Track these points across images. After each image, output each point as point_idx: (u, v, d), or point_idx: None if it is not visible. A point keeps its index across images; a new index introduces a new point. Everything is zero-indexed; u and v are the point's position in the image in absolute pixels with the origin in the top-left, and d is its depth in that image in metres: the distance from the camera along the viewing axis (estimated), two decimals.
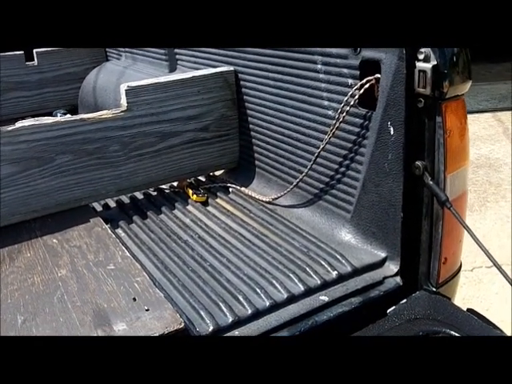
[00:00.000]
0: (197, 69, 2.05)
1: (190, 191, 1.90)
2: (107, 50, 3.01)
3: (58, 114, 2.73)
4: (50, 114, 2.72)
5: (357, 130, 1.47)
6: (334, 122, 1.50)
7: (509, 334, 1.25)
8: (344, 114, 1.47)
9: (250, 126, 1.93)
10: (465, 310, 1.29)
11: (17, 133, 1.57)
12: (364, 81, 1.39)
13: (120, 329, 1.16)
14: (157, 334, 1.14)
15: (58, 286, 1.33)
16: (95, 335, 1.14)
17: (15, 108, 2.79)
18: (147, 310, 1.22)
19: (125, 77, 2.51)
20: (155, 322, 1.18)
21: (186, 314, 1.27)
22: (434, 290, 1.38)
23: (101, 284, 1.33)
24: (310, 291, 1.35)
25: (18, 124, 1.59)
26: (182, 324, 1.17)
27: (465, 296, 2.83)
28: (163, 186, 1.98)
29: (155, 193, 1.96)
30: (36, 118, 1.64)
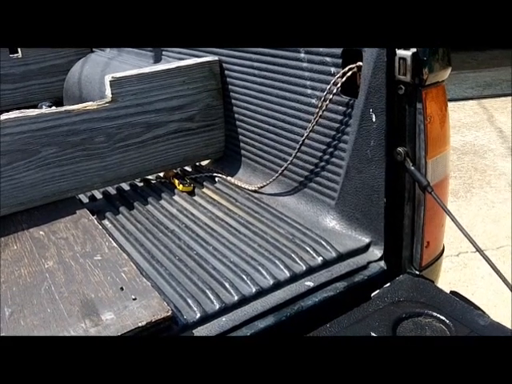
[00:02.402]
0: (182, 59, 2.05)
1: (176, 181, 1.91)
2: None
3: (43, 107, 2.71)
4: (34, 107, 2.70)
5: (340, 117, 1.49)
6: (318, 110, 1.51)
7: (491, 315, 1.27)
8: (327, 102, 1.48)
9: (236, 115, 1.94)
10: (448, 292, 1.32)
11: (1, 125, 1.56)
12: (346, 69, 1.40)
13: (108, 318, 1.17)
14: (144, 323, 1.15)
15: (45, 277, 1.34)
16: (81, 335, 1.14)
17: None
18: (134, 299, 1.23)
19: (110, 68, 2.50)
20: (143, 311, 1.19)
21: (174, 302, 1.28)
22: (418, 273, 1.40)
23: (88, 275, 1.34)
24: (295, 277, 1.37)
25: (3, 116, 1.58)
26: (170, 312, 1.19)
27: (451, 280, 2.87)
28: (149, 177, 1.98)
29: (141, 184, 1.97)
30: (21, 111, 1.64)
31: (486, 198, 3.71)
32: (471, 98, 5.57)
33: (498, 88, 5.86)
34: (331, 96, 1.46)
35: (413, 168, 1.31)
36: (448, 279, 2.87)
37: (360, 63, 1.37)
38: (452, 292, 1.33)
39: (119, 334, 1.12)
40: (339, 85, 1.43)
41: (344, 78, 1.40)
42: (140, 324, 1.15)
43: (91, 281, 1.31)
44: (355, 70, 1.39)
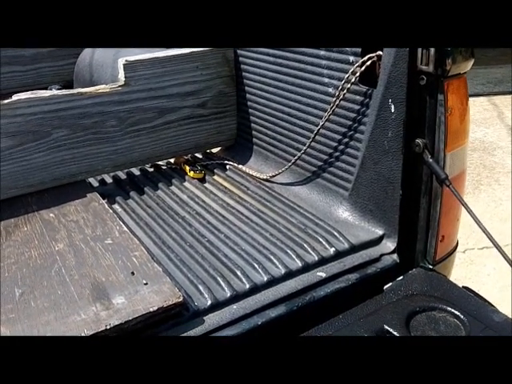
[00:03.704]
0: None
1: (187, 168, 1.89)
2: None
3: (53, 90, 2.69)
4: (44, 90, 2.68)
5: (357, 107, 1.47)
6: (334, 99, 1.49)
7: (501, 309, 1.26)
8: (344, 91, 1.46)
9: (249, 103, 1.92)
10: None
11: (13, 106, 1.55)
12: (366, 58, 1.38)
13: (119, 302, 1.16)
14: (156, 308, 1.14)
15: (55, 259, 1.33)
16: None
17: (9, 83, 2.74)
18: (146, 284, 1.22)
19: (122, 52, 2.47)
20: (154, 296, 1.18)
21: (185, 289, 1.27)
22: (431, 267, 1.39)
23: (99, 258, 1.33)
24: (307, 267, 1.36)
25: (15, 97, 1.57)
26: (181, 298, 1.18)
27: (457, 277, 2.86)
28: (160, 163, 1.97)
29: (152, 169, 1.96)
30: (32, 92, 1.62)
31: (493, 196, 3.68)
32: (481, 95, 5.52)
33: (509, 85, 5.80)
34: (349, 85, 1.44)
35: (431, 160, 1.29)
36: (454, 275, 2.85)
37: (380, 52, 1.35)
38: (464, 287, 1.31)
39: (130, 318, 1.11)
40: (358, 74, 1.40)
41: (363, 68, 1.38)
42: (151, 309, 1.14)
43: (102, 264, 1.30)
44: (375, 59, 1.37)
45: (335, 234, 1.47)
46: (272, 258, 1.38)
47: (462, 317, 1.17)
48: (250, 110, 1.93)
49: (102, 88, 1.72)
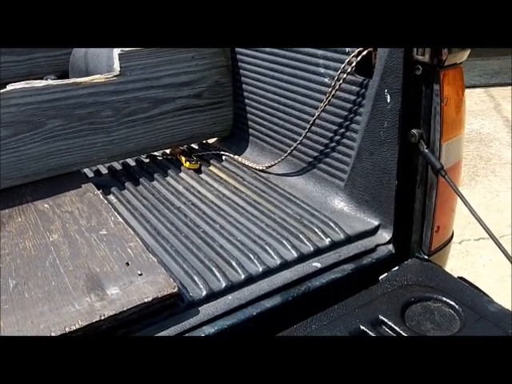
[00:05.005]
0: None
1: (183, 158, 1.88)
2: None
3: (49, 80, 2.67)
4: (40, 80, 2.66)
5: (353, 97, 1.46)
6: (330, 89, 1.48)
7: (497, 300, 1.27)
8: (340, 81, 1.45)
9: (245, 93, 1.91)
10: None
11: (7, 95, 1.54)
12: (362, 48, 1.37)
13: (113, 293, 1.16)
14: (150, 299, 1.14)
15: (49, 250, 1.32)
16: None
17: (4, 73, 2.72)
18: (140, 275, 1.22)
19: None
20: (149, 287, 1.18)
21: (180, 279, 1.27)
22: (426, 257, 1.39)
23: (93, 249, 1.32)
24: (302, 258, 1.36)
25: (9, 87, 1.55)
26: (176, 288, 1.17)
27: (453, 268, 2.86)
28: (155, 153, 1.96)
29: (147, 160, 1.95)
30: (27, 82, 1.61)
31: (490, 187, 3.68)
32: (478, 86, 5.51)
33: (506, 77, 5.80)
34: (345, 75, 1.43)
35: (427, 150, 1.29)
36: (450, 266, 2.85)
37: None
38: (459, 278, 1.32)
39: (125, 309, 1.11)
40: (354, 64, 1.40)
41: (359, 57, 1.37)
42: (146, 300, 1.14)
43: (96, 255, 1.30)
44: (371, 49, 1.36)
45: (331, 224, 1.47)
46: (267, 248, 1.38)
47: (456, 307, 1.17)
48: (246, 101, 1.92)
49: (97, 78, 1.71)
